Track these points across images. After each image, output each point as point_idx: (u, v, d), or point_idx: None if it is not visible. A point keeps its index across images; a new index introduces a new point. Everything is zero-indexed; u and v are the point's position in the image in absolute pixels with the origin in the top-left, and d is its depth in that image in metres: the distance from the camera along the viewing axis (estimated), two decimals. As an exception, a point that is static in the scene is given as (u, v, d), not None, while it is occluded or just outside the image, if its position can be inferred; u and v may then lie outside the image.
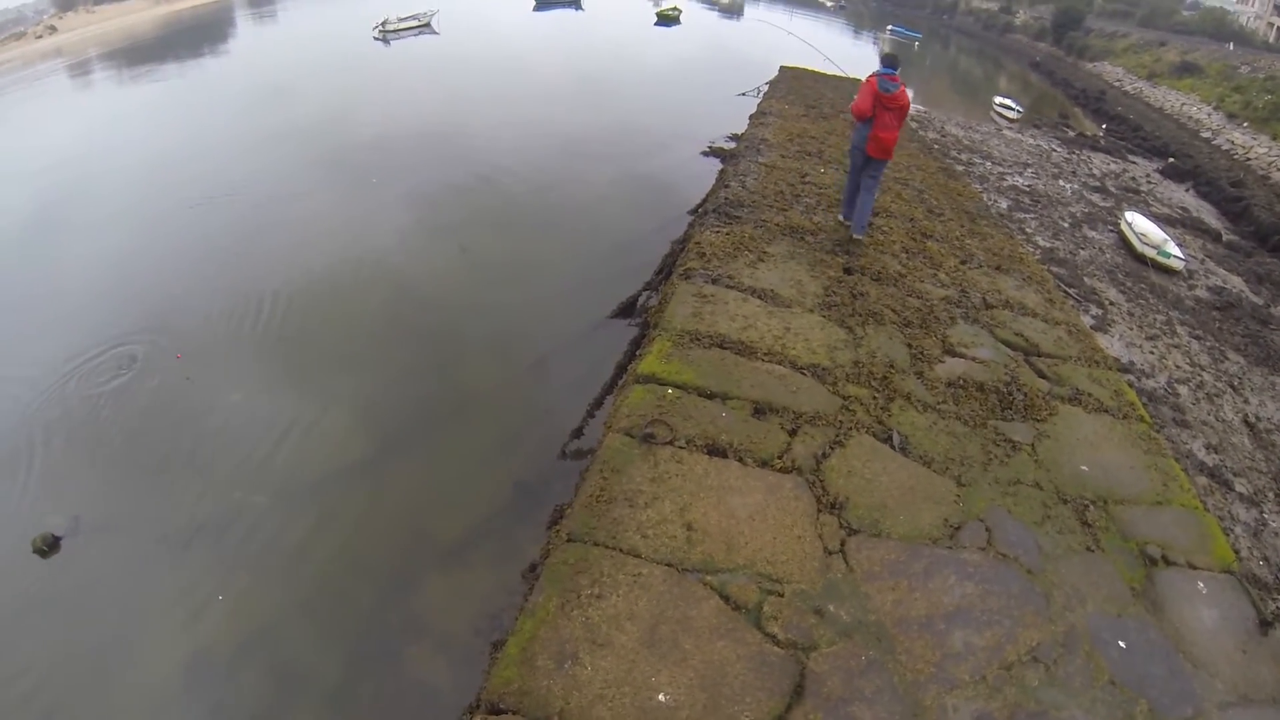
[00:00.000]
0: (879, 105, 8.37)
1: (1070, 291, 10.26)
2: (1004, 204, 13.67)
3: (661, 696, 3.63)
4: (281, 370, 9.48)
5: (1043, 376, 6.88)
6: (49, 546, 7.33)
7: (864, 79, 8.74)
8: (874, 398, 6.06)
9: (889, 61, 8.59)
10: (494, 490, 7.21)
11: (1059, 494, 5.36)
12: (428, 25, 40.86)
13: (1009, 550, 4.76)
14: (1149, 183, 19.36)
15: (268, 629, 6.27)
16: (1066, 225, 13.40)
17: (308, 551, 6.96)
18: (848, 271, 8.23)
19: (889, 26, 55.54)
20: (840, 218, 9.64)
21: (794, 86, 19.61)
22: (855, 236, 9.17)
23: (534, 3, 49.36)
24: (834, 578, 4.37)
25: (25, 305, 11.87)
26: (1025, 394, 6.47)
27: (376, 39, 37.65)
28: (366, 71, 28.70)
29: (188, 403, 9.12)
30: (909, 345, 6.95)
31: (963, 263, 9.13)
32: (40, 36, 52.28)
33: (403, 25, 39.97)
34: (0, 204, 16.69)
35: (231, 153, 18.33)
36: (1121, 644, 4.28)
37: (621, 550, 4.41)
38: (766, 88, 19.83)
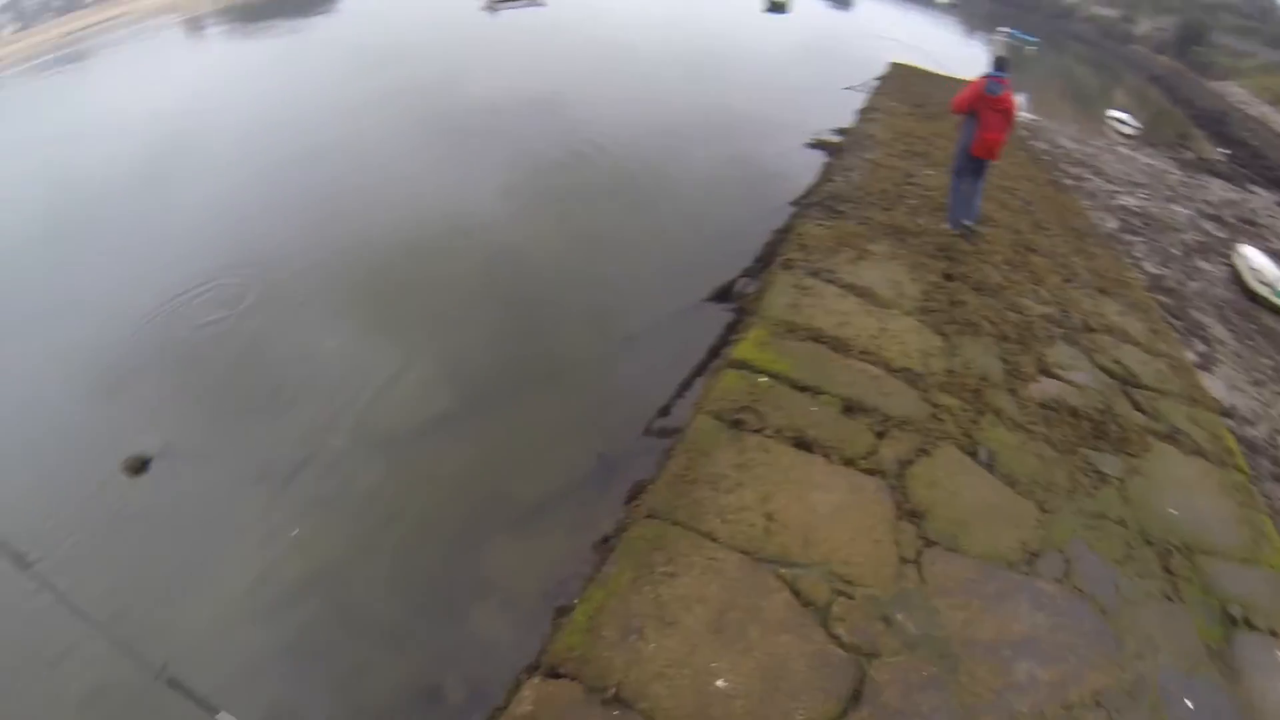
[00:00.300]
0: (985, 106, 8.22)
1: (1175, 323, 9.72)
2: (1112, 224, 12.98)
3: (720, 682, 3.62)
4: (375, 321, 9.51)
5: (1139, 409, 6.55)
6: (139, 467, 7.47)
7: (973, 80, 8.53)
8: (964, 409, 5.89)
9: (1000, 65, 8.35)
10: (575, 459, 7.08)
11: (1144, 534, 5.11)
12: None
13: (1086, 586, 4.56)
14: (1269, 216, 18.13)
15: (335, 568, 6.28)
16: (1177, 253, 12.66)
17: (383, 499, 6.94)
18: (948, 278, 7.99)
19: (1003, 29, 53.14)
20: (947, 225, 9.34)
21: (903, 84, 19.04)
22: (965, 223, 9.12)
23: None
24: (906, 587, 4.28)
25: (136, 240, 12.32)
26: (1120, 425, 6.18)
27: (483, 8, 37.75)
28: (472, 40, 28.69)
29: (282, 344, 9.26)
30: (1004, 360, 6.72)
31: (1066, 281, 8.76)
32: (154, -10, 53.98)
33: None
34: (114, 151, 17.46)
35: (337, 110, 18.59)
36: (1189, 703, 4.07)
37: (699, 532, 4.41)
38: (875, 83, 19.30)
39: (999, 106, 8.20)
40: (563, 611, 4.87)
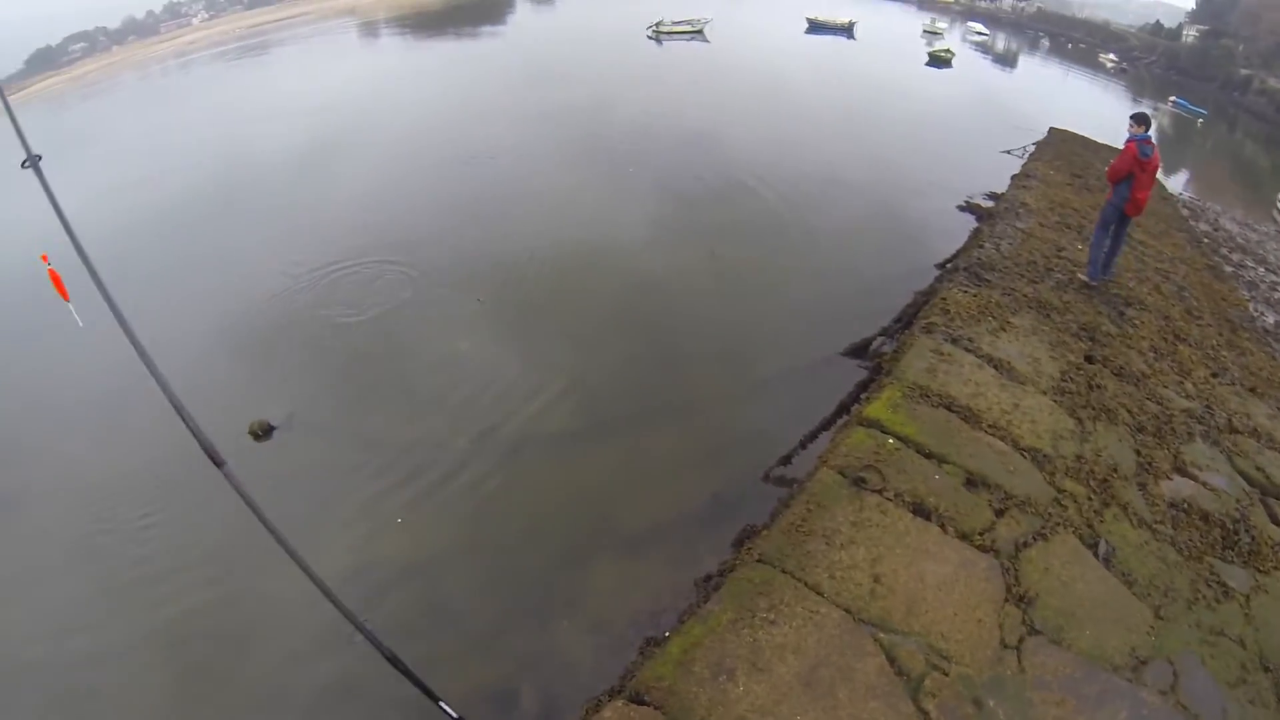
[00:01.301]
0: (1138, 169, 8.40)
1: (1329, 434, 8.75)
2: (1271, 319, 11.78)
3: (800, 737, 3.54)
4: (514, 330, 9.55)
5: (1276, 523, 5.91)
6: (263, 432, 7.83)
7: (1125, 144, 8.59)
8: (1090, 498, 5.57)
9: (1142, 121, 8.46)
10: (689, 495, 6.92)
11: (1262, 659, 4.62)
12: (700, 32, 40.75)
13: (1192, 704, 4.18)
14: None
15: (434, 562, 6.29)
16: (1339, 357, 11.36)
17: (493, 503, 6.92)
18: (1089, 360, 7.54)
19: (1171, 99, 48.60)
20: (1086, 277, 9.39)
21: (1061, 151, 17.91)
22: (1102, 278, 9.30)
23: (806, 24, 48.18)
24: (1003, 673, 4.09)
25: (292, 220, 13.10)
26: (1253, 537, 5.60)
27: (650, 38, 37.93)
28: (636, 67, 28.81)
29: (419, 335, 9.40)
30: (1138, 452, 6.27)
31: (1214, 375, 8.04)
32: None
33: (676, 28, 40.12)
34: (285, 137, 18.50)
35: (496, 122, 19.04)
36: None
37: (806, 584, 4.38)
38: (1033, 148, 18.27)
39: (1150, 168, 8.42)
40: (652, 642, 4.85)
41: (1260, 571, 5.33)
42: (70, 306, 5.96)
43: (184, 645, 5.86)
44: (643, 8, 42.22)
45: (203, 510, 6.69)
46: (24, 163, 2.96)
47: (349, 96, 23.50)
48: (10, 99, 3.62)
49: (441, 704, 2.47)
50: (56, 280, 5.67)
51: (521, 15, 49.58)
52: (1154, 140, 8.49)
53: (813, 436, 7.48)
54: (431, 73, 28.40)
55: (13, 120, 2.99)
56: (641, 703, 3.66)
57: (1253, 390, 8.01)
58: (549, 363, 8.94)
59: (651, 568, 6.19)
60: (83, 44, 67.09)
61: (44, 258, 5.60)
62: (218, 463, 2.39)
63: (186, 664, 5.73)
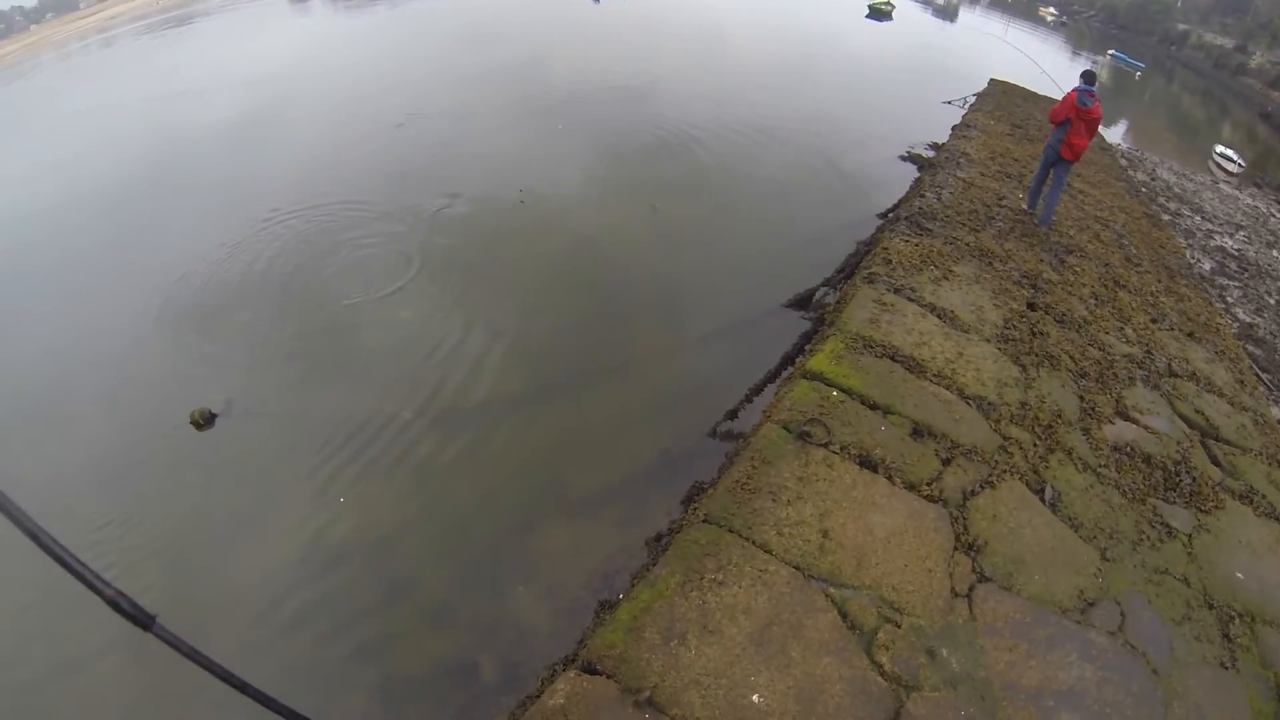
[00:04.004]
0: (1076, 116, 9.04)
1: (1264, 377, 9.10)
2: (1207, 265, 12.21)
3: (756, 698, 3.54)
4: (452, 297, 9.40)
5: (1216, 464, 6.10)
6: (205, 420, 7.59)
7: (1067, 93, 9.33)
8: (1035, 444, 5.62)
9: (1088, 79, 9.15)
10: (637, 454, 6.93)
11: (1206, 596, 4.76)
12: None
13: (1139, 642, 4.28)
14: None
15: (387, 537, 6.25)
16: (1274, 302, 11.84)
17: (441, 474, 6.87)
18: (1031, 307, 7.63)
19: (1110, 52, 50.03)
20: (1025, 206, 10.30)
21: (1002, 102, 18.16)
22: (1040, 227, 9.84)
23: None
24: (954, 621, 4.11)
25: (226, 190, 12.72)
26: (1194, 478, 5.76)
27: None
28: (569, 27, 28.45)
29: (355, 310, 9.19)
30: (1081, 397, 6.38)
31: (1153, 321, 8.25)
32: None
33: None
34: (215, 109, 18.03)
35: (430, 84, 18.70)
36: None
37: (754, 542, 4.32)
38: (974, 99, 18.49)
39: (1088, 117, 9.04)
40: (606, 606, 4.86)
41: (1201, 511, 5.47)
42: None
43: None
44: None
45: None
46: None
47: (278, 67, 22.67)
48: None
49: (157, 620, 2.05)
50: None
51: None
52: (1097, 94, 9.08)
53: (758, 390, 7.45)
54: (365, 38, 27.50)
55: None
56: (594, 672, 3.60)
57: (1190, 335, 8.25)
58: (490, 327, 8.83)
59: (603, 529, 6.20)
60: (-1, 25, 64.55)
61: None
62: (145, 624, 1.69)
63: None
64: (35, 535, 1.71)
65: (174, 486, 6.85)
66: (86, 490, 6.94)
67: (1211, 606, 4.70)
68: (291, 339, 8.81)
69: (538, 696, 3.68)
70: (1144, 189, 15.45)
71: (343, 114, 16.97)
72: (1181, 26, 59.60)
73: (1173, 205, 15.22)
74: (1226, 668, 4.32)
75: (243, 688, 2.05)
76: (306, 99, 18.58)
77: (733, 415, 7.18)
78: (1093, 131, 9.26)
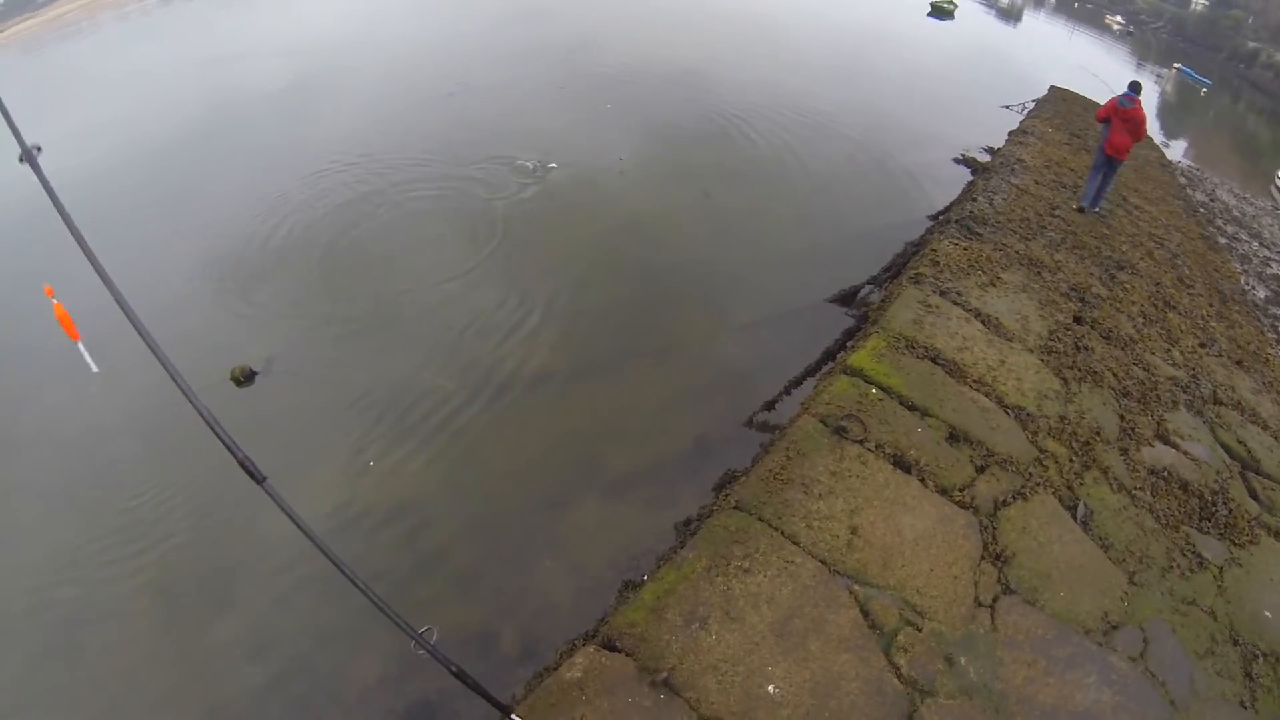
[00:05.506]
0: (1116, 116, 9.85)
1: (1311, 412, 8.84)
2: (1262, 293, 11.85)
3: (771, 688, 3.54)
4: (500, 268, 9.38)
5: (1254, 497, 5.95)
6: (245, 378, 7.64)
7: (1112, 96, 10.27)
8: (1071, 460, 5.53)
9: (1134, 88, 9.97)
10: (672, 438, 6.88)
11: (1231, 631, 4.65)
12: None
13: (1160, 671, 4.20)
14: None
15: (419, 502, 6.27)
16: (1326, 337, 11.49)
17: (477, 445, 6.85)
18: (1078, 320, 7.48)
19: (1176, 65, 48.28)
20: (1079, 204, 10.78)
21: (1061, 110, 17.72)
22: (1083, 206, 10.60)
23: None
24: (975, 630, 4.07)
25: (274, 157, 12.72)
26: (1230, 510, 5.63)
27: None
28: (622, 6, 28.10)
29: (402, 274, 9.18)
30: (1121, 416, 6.25)
31: (1202, 345, 8.05)
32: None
33: None
34: (263, 75, 18.04)
35: (478, 58, 18.49)
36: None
37: (783, 533, 4.31)
38: (1032, 105, 18.06)
39: (1127, 116, 9.79)
40: (630, 586, 4.84)
41: (1235, 545, 5.35)
42: (81, 347, 5.63)
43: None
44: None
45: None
46: (20, 157, 2.66)
47: (330, 35, 22.53)
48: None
49: (513, 717, 2.37)
50: (64, 319, 5.24)
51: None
52: (1139, 100, 9.83)
53: (797, 383, 7.39)
54: (413, 10, 27.20)
55: (5, 116, 2.66)
56: (614, 649, 3.62)
57: (1239, 363, 8.04)
58: (538, 301, 8.78)
59: (633, 510, 6.17)
60: (59, -16, 64.99)
61: (49, 290, 5.21)
62: (258, 479, 2.40)
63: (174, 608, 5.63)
64: (191, 400, 2.33)
65: (209, 441, 6.86)
66: (127, 441, 7.03)
67: (1236, 643, 4.60)
68: (338, 304, 8.83)
69: (555, 669, 3.71)
70: (1202, 209, 15.03)
71: (394, 84, 16.90)
72: (1252, 44, 57.32)
73: (1230, 228, 14.77)
74: (1245, 707, 4.23)
75: (324, 551, 2.48)
76: (358, 67, 18.53)
77: (770, 406, 7.12)
78: (1134, 132, 9.90)
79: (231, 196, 11.33)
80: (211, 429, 2.39)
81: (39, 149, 2.68)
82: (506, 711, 2.34)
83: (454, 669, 2.36)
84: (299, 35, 22.96)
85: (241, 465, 2.41)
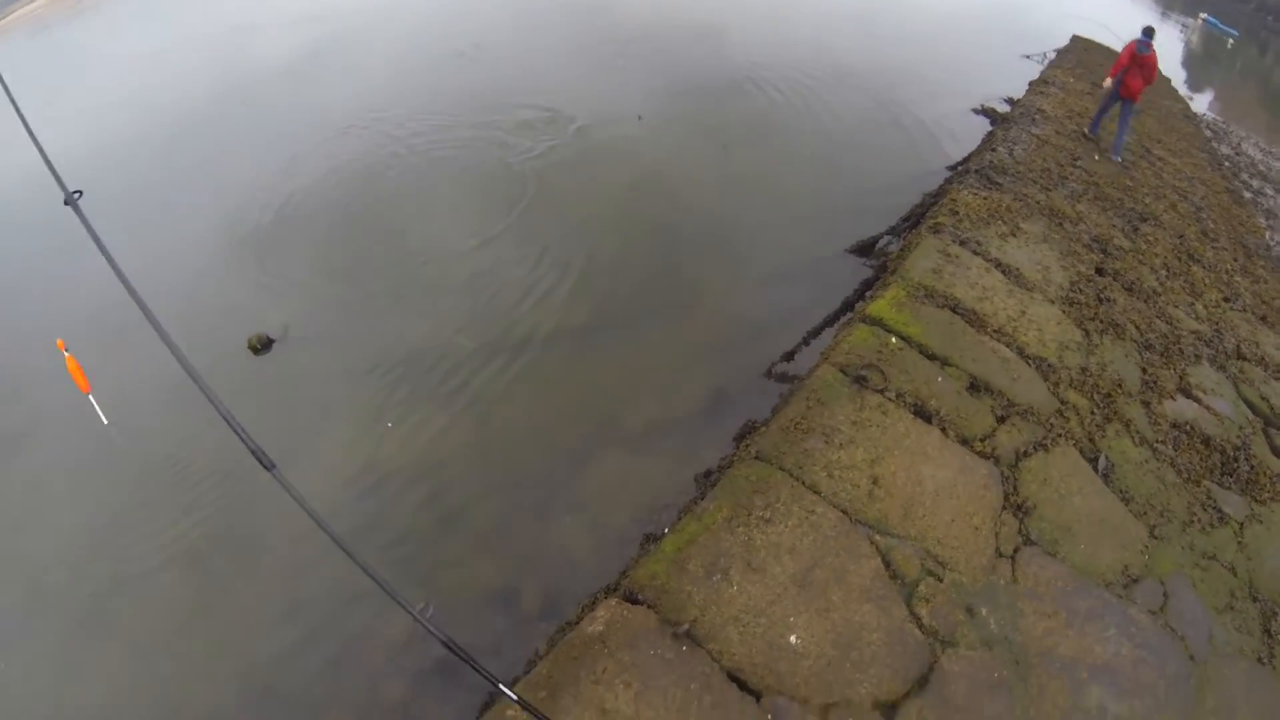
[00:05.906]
0: (1134, 63, 10.05)
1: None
2: (1286, 249, 11.59)
3: (793, 638, 3.50)
4: (518, 225, 9.28)
5: (1277, 454, 5.83)
6: (262, 346, 7.59)
7: (1127, 44, 10.29)
8: (1092, 412, 5.41)
9: (1148, 33, 10.09)
10: (692, 391, 6.78)
11: (1251, 587, 4.60)
12: None
13: (1179, 626, 4.15)
14: None
15: (440, 463, 6.22)
16: (1351, 294, 11.22)
17: (498, 403, 6.80)
18: (1099, 272, 7.28)
19: (1202, 16, 46.75)
20: (1086, 130, 11.32)
21: (1084, 60, 17.17)
22: (1113, 158, 10.69)
23: None
24: (996, 581, 4.01)
25: (287, 129, 12.52)
26: (1252, 466, 5.52)
27: None
28: None
29: (419, 236, 9.11)
30: (1143, 369, 6.11)
31: (1226, 299, 7.85)
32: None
33: None
34: (280, 44, 17.75)
35: (497, 19, 18.22)
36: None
37: (804, 482, 4.22)
38: (1054, 55, 17.50)
39: (1143, 63, 10.04)
40: (651, 539, 4.78)
41: (1257, 501, 5.26)
42: (92, 398, 5.53)
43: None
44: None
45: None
46: (65, 200, 2.69)
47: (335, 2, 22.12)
48: None
49: (501, 686, 2.36)
50: (75, 371, 5.17)
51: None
52: (1153, 46, 10.02)
53: (816, 333, 7.26)
54: None
55: (46, 161, 2.66)
56: (635, 601, 3.57)
57: (1263, 319, 7.85)
58: (557, 258, 8.65)
59: (654, 464, 6.08)
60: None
61: (60, 344, 5.13)
62: (268, 467, 2.51)
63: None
64: (204, 389, 2.49)
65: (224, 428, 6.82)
66: (148, 408, 6.98)
67: (1256, 599, 4.55)
68: (355, 265, 8.75)
69: (576, 623, 3.68)
70: (1227, 163, 14.61)
71: (405, 45, 16.56)
72: (1283, -5, 55.55)
73: (1255, 183, 14.35)
74: (1264, 663, 4.19)
75: (332, 536, 2.50)
76: (367, 32, 18.19)
77: (789, 357, 7.00)
78: (1148, 76, 10.20)
79: (247, 166, 11.21)
80: (225, 421, 2.51)
81: (79, 194, 2.81)
82: (496, 683, 2.35)
83: (444, 639, 2.35)
84: (305, 4, 22.43)
85: (253, 454, 2.50)
